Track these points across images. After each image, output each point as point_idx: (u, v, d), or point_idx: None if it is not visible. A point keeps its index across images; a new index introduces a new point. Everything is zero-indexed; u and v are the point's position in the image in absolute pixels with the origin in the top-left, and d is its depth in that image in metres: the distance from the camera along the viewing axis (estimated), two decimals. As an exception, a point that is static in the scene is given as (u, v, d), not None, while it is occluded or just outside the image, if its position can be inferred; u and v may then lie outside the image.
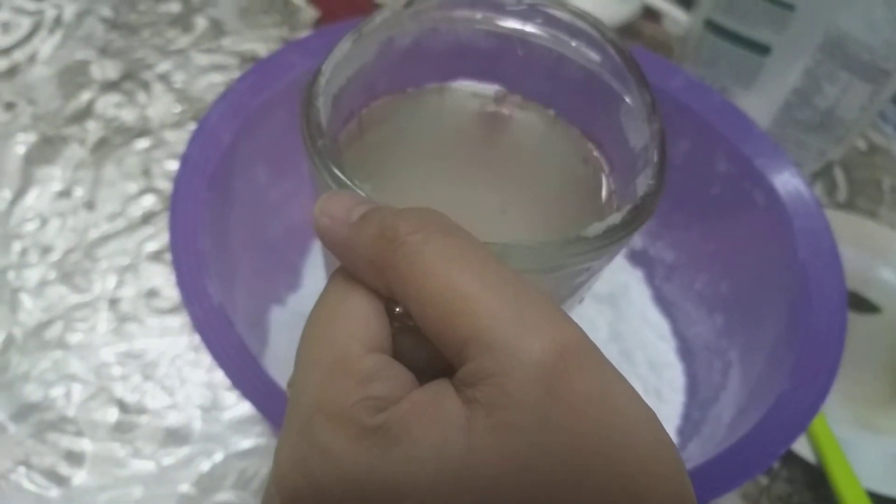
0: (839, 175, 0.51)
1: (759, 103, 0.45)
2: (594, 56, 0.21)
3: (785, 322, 0.31)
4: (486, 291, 0.15)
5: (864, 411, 0.40)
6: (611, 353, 0.38)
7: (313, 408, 0.15)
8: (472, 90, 0.23)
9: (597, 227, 0.17)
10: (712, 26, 0.44)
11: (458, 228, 0.16)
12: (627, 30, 0.54)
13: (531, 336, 0.14)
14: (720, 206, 0.36)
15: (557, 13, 0.22)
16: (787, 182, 0.33)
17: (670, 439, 0.15)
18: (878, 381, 0.42)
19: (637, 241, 0.41)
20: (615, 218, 0.17)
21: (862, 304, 0.44)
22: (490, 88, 0.23)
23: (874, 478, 0.37)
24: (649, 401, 0.36)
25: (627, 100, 0.21)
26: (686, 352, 0.38)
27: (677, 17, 0.51)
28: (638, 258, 0.41)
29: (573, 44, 0.22)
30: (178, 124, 0.47)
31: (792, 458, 0.38)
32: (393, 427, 0.15)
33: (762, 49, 0.44)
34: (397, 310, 0.16)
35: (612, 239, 0.17)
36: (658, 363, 0.38)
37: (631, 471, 0.14)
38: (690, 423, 0.35)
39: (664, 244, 0.40)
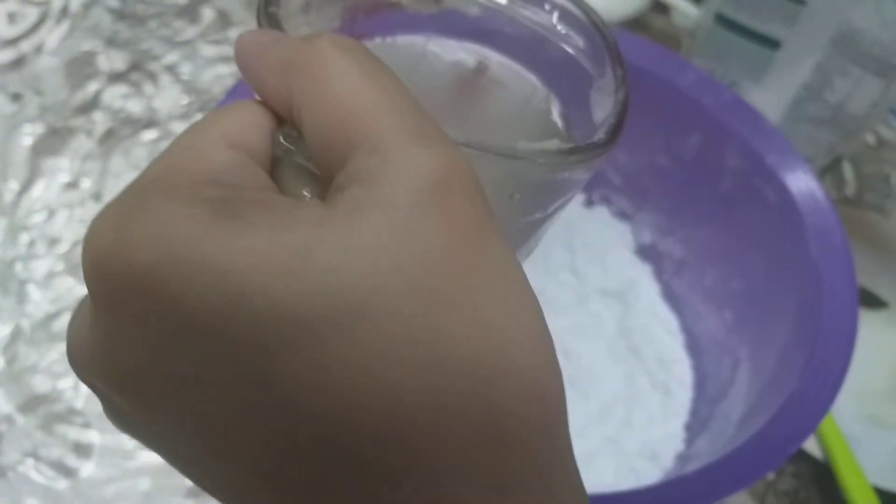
0: (848, 170, 0.51)
1: (769, 98, 0.45)
2: (578, 41, 0.21)
3: (795, 320, 0.31)
4: (393, 105, 0.14)
5: (870, 407, 0.40)
6: (619, 348, 0.38)
7: (149, 178, 0.14)
8: (452, 56, 0.22)
9: (554, 144, 0.17)
10: (722, 20, 0.44)
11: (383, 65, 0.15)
12: (636, 23, 0.54)
13: (426, 147, 0.14)
14: (730, 202, 0.36)
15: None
16: (798, 179, 0.33)
17: (545, 323, 0.14)
18: (885, 377, 0.42)
19: (646, 235, 0.41)
20: (569, 142, 0.17)
21: (869, 300, 0.44)
22: (470, 59, 0.22)
23: (881, 473, 0.37)
24: (657, 396, 0.37)
25: (600, 79, 0.20)
26: (695, 348, 0.38)
27: (686, 10, 0.50)
28: (647, 253, 0.41)
29: (560, 28, 0.21)
30: (185, 116, 0.47)
31: (798, 454, 0.38)
32: (235, 204, 0.13)
33: (772, 43, 0.43)
34: (282, 138, 0.15)
35: (567, 159, 0.17)
36: (666, 359, 0.38)
37: (489, 322, 0.13)
38: (699, 419, 0.35)
39: (673, 239, 0.40)
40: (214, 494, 0.16)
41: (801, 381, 0.28)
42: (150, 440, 0.16)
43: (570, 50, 0.21)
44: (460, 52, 0.22)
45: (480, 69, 0.22)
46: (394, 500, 0.13)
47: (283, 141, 0.15)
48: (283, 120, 0.16)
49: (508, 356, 0.13)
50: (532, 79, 0.22)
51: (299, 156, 0.15)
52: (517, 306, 0.14)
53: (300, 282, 0.13)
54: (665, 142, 0.37)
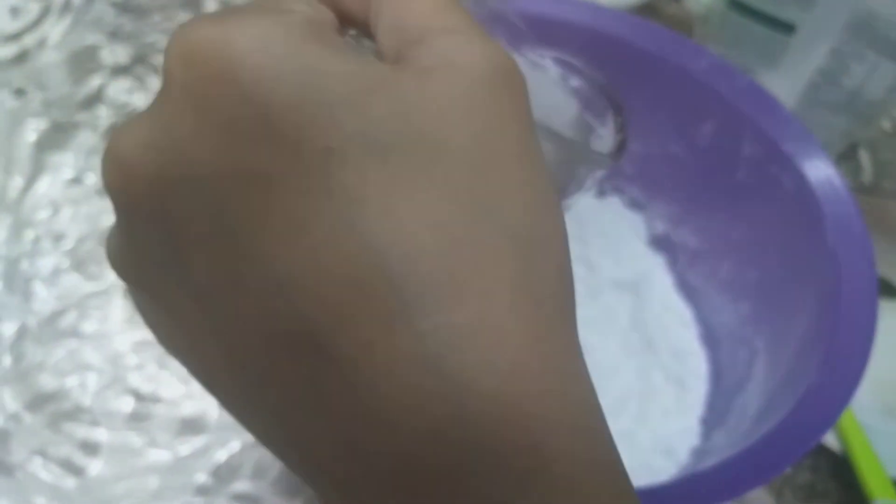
0: (864, 157, 0.50)
1: (784, 84, 0.44)
2: (581, 101, 0.23)
3: (813, 311, 0.30)
4: (463, 11, 0.15)
5: (889, 398, 0.40)
6: (632, 341, 0.37)
7: (248, 4, 0.15)
8: None
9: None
10: (735, 4, 0.43)
11: None
12: (647, 9, 0.53)
13: (496, 47, 0.15)
14: (746, 191, 0.35)
15: (567, 59, 0.23)
16: (815, 166, 0.32)
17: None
18: (903, 368, 0.41)
19: (659, 225, 0.40)
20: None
21: (887, 289, 0.43)
22: None
23: (901, 467, 0.36)
24: (672, 390, 0.36)
25: (600, 130, 0.23)
26: (710, 340, 0.38)
27: (698, -5, 0.49)
28: (660, 244, 0.40)
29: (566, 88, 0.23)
30: (190, 109, 0.47)
31: (815, 447, 0.38)
32: (325, 34, 0.14)
33: (787, 28, 0.43)
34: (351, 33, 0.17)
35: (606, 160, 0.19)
36: (681, 351, 0.37)
37: (528, 201, 0.14)
38: (715, 413, 0.35)
39: (687, 230, 0.39)
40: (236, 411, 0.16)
41: (820, 373, 0.27)
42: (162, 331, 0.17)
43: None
44: None
45: None
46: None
47: (352, 34, 0.17)
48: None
49: (542, 231, 0.14)
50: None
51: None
52: (551, 202, 0.15)
53: (378, 105, 0.13)
54: (678, 129, 0.36)
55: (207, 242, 0.14)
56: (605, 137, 0.22)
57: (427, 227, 0.13)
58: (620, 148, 0.22)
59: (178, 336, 0.16)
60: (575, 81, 0.23)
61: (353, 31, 0.17)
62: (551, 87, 0.23)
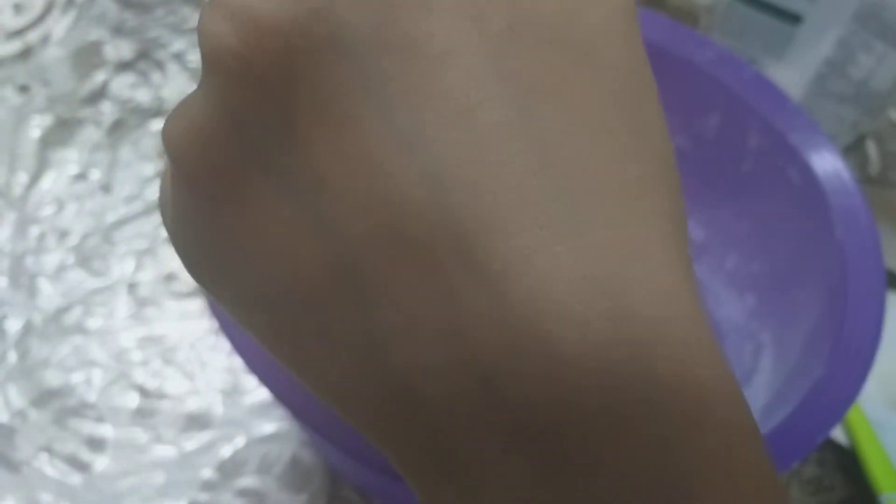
0: (871, 148, 0.50)
1: (790, 75, 0.44)
2: None
3: (821, 304, 0.30)
4: None
5: (897, 391, 0.40)
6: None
7: None
8: None
9: None
10: (741, -5, 0.43)
11: None
12: (652, 0, 0.53)
13: None
14: (752, 183, 0.35)
15: None
16: (822, 158, 0.32)
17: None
18: (911, 361, 0.41)
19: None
20: None
21: (894, 281, 0.43)
22: None
23: (909, 461, 0.36)
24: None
25: None
26: (716, 333, 0.37)
27: (704, -14, 0.49)
28: (665, 237, 0.40)
29: None
30: (193, 104, 0.47)
31: (822, 441, 0.37)
32: None
33: (793, 18, 0.42)
34: None
35: None
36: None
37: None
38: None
39: (693, 222, 0.39)
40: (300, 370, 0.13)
41: (828, 367, 0.27)
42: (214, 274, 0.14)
43: None
44: None
45: None
46: None
47: None
48: None
49: (674, 165, 0.13)
50: None
51: None
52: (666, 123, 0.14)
53: (544, 8, 0.12)
54: (684, 121, 0.36)
55: (347, 125, 0.12)
56: None
57: (598, 132, 0.12)
58: None
59: (249, 250, 0.13)
60: None
61: None
62: None
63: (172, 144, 0.13)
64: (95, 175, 0.43)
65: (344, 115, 0.12)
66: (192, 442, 0.36)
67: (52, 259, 0.41)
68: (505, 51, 0.12)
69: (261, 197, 0.12)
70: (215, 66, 0.12)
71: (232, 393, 0.37)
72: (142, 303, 0.39)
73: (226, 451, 0.36)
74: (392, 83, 0.11)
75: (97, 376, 0.37)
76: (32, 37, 0.49)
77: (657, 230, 0.12)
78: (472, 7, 0.12)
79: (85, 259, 0.41)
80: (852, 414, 0.37)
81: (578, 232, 0.11)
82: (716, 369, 0.12)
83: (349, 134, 0.12)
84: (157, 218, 0.42)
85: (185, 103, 0.13)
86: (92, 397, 0.37)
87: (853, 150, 0.49)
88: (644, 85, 0.13)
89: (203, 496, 0.35)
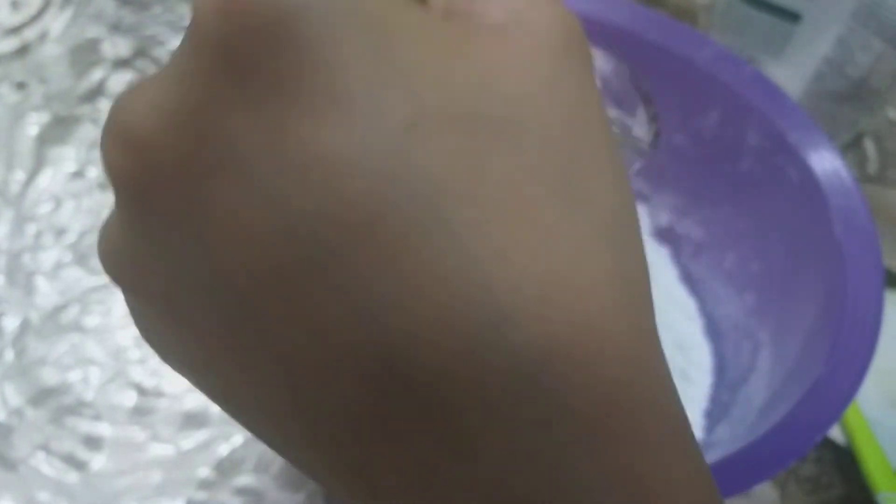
0: (869, 147, 0.50)
1: (789, 74, 0.44)
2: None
3: (819, 303, 0.30)
4: None
5: (894, 390, 0.40)
6: (636, 333, 0.37)
7: None
8: None
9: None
10: (740, -6, 0.43)
11: None
12: (650, -2, 0.53)
13: (563, 10, 0.13)
14: (751, 182, 0.35)
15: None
16: (821, 157, 0.32)
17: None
18: (909, 359, 0.41)
19: (663, 217, 0.40)
20: None
21: (892, 280, 0.43)
22: None
23: (907, 459, 0.36)
24: (676, 383, 0.36)
25: (628, 121, 0.22)
26: (714, 332, 0.37)
27: (702, -16, 0.49)
28: (664, 235, 0.40)
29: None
30: (191, 102, 0.47)
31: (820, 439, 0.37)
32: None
33: (792, 16, 0.42)
34: None
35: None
36: (685, 343, 0.37)
37: (613, 172, 0.13)
38: (719, 405, 0.35)
39: (692, 221, 0.39)
40: (260, 433, 0.14)
41: (826, 366, 0.27)
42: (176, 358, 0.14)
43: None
44: None
45: None
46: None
47: None
48: None
49: (628, 216, 0.13)
50: None
51: None
52: (627, 181, 0.13)
53: (459, 72, 0.12)
54: (683, 120, 0.36)
55: (257, 245, 0.11)
56: (635, 128, 0.21)
57: (520, 218, 0.11)
58: (655, 137, 0.21)
59: (190, 353, 0.13)
60: (598, 70, 0.22)
61: None
62: None
63: (100, 252, 0.14)
64: (93, 172, 0.43)
65: (253, 237, 0.11)
66: (190, 440, 0.36)
67: (49, 257, 0.41)
68: (408, 148, 0.11)
69: (187, 316, 0.13)
70: (115, 183, 0.12)
71: (229, 391, 0.37)
72: (139, 301, 0.39)
73: (223, 449, 0.36)
74: (292, 201, 0.11)
75: (94, 374, 0.37)
76: (30, 34, 0.48)
77: (599, 304, 0.12)
78: (367, 106, 0.11)
79: (82, 257, 0.41)
80: (850, 413, 0.37)
81: (507, 332, 0.11)
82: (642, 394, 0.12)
83: (261, 256, 0.11)
84: (154, 216, 0.42)
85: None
86: (89, 396, 0.37)
87: (852, 149, 0.49)
88: (582, 135, 0.12)
89: (200, 495, 0.35)
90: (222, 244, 0.11)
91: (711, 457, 0.29)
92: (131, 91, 0.12)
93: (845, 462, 0.37)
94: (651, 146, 0.21)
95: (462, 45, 0.12)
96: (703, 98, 0.35)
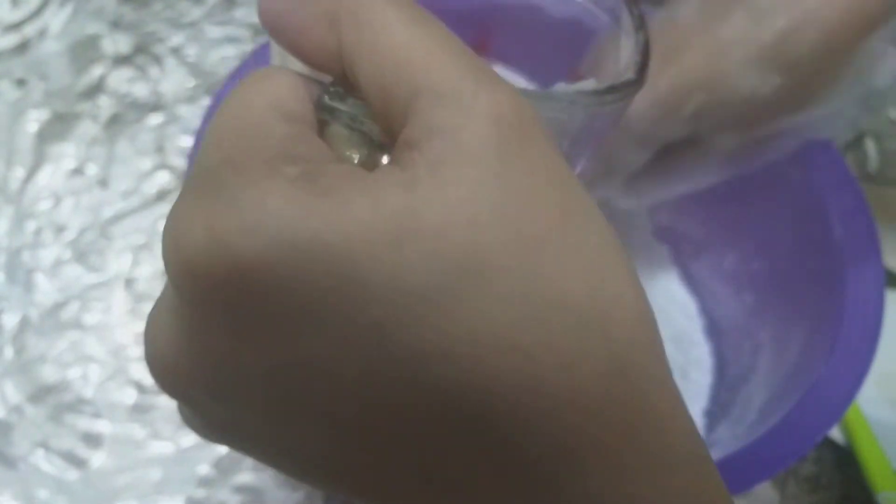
0: (870, 146, 0.50)
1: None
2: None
3: (819, 304, 0.30)
4: (447, 50, 0.14)
5: (894, 390, 0.39)
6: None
7: (219, 161, 0.13)
8: None
9: (590, 84, 0.18)
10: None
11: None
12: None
13: (490, 92, 0.13)
14: (751, 181, 0.34)
15: None
16: (822, 157, 0.32)
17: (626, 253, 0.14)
18: (909, 359, 0.41)
19: (664, 216, 0.40)
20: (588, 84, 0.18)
21: (893, 281, 0.43)
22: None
23: (906, 459, 0.36)
24: (676, 381, 0.36)
25: (614, 25, 0.20)
26: (714, 331, 0.37)
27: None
28: (665, 235, 0.40)
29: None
30: (191, 99, 0.46)
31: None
32: (318, 178, 0.13)
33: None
34: (327, 98, 0.15)
35: (605, 98, 0.17)
36: (685, 343, 0.37)
37: (591, 260, 0.13)
38: (718, 405, 0.35)
39: (692, 220, 0.39)
40: (336, 489, 0.15)
41: (827, 366, 0.27)
42: (252, 444, 0.16)
43: (573, 12, 0.21)
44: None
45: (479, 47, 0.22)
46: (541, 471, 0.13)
47: (328, 101, 0.15)
48: (318, 81, 0.15)
49: (615, 291, 0.13)
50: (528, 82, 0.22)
51: (346, 116, 0.15)
52: (607, 241, 0.14)
53: (408, 249, 0.12)
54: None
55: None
56: (622, 35, 0.20)
57: (510, 349, 0.12)
58: (643, 56, 0.18)
59: (262, 437, 0.15)
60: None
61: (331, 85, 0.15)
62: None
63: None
64: (92, 170, 0.43)
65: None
66: (190, 438, 0.36)
67: (48, 254, 0.40)
68: (385, 340, 0.13)
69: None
70: (182, 295, 0.14)
71: (229, 389, 0.37)
72: (139, 298, 0.39)
73: (222, 447, 0.36)
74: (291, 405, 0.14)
75: (94, 372, 0.37)
76: (30, 30, 0.48)
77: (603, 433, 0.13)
78: (335, 318, 0.12)
79: (82, 254, 0.41)
80: (850, 413, 0.37)
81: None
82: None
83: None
84: (153, 213, 0.42)
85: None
86: (89, 393, 0.37)
87: (852, 148, 0.49)
88: (541, 247, 0.13)
89: (200, 492, 0.35)
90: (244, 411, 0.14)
91: (712, 456, 0.29)
92: (155, 316, 0.15)
93: (845, 462, 0.37)
94: (637, 79, 0.18)
95: (408, 220, 0.12)
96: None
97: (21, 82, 0.46)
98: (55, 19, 0.49)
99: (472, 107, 0.13)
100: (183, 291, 0.13)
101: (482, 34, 0.22)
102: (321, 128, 0.15)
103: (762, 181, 0.34)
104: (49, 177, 0.43)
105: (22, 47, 0.48)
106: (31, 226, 0.41)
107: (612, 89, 0.17)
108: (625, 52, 0.19)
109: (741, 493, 0.24)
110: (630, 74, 0.18)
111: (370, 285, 0.12)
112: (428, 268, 0.12)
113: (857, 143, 0.49)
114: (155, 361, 0.15)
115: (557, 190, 0.13)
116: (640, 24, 0.19)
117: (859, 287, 0.28)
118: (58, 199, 0.42)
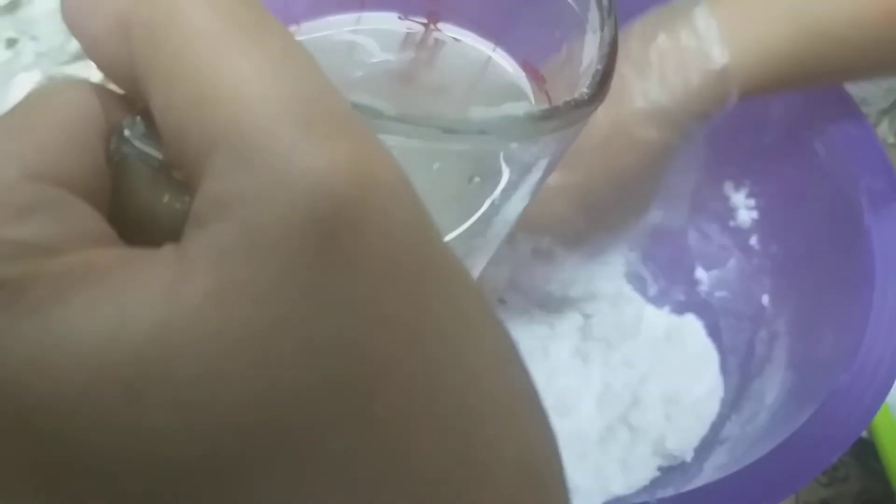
0: (907, 111, 0.47)
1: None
2: None
3: (843, 296, 0.28)
4: (277, 80, 0.09)
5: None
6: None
7: None
8: (391, 27, 0.18)
9: (522, 108, 0.14)
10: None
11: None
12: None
13: (323, 144, 0.09)
14: (773, 157, 0.32)
15: None
16: (851, 131, 0.29)
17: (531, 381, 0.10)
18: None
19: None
20: (537, 110, 0.14)
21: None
22: (414, 24, 0.18)
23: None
24: (680, 377, 0.34)
25: (579, 11, 0.16)
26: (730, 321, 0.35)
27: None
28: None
29: None
30: (185, 61, 0.45)
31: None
32: (35, 287, 0.09)
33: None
34: (126, 130, 0.11)
35: (538, 125, 0.13)
36: (685, 341, 0.35)
37: (458, 405, 0.09)
38: (728, 399, 0.33)
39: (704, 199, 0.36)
40: None
41: (851, 369, 0.25)
42: None
43: None
44: (398, 25, 0.18)
45: (422, 41, 0.18)
46: None
47: (126, 135, 0.11)
48: (131, 101, 0.11)
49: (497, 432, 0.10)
50: (486, 41, 0.18)
51: (154, 151, 0.11)
52: (494, 361, 0.10)
53: (182, 369, 0.09)
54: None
55: None
56: (589, 29, 0.15)
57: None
58: (606, 62, 0.14)
59: None
60: None
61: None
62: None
63: None
64: (82, 136, 0.42)
65: None
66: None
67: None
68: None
69: None
70: None
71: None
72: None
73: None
74: None
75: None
76: (19, -12, 0.47)
77: None
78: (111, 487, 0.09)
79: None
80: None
81: None
82: None
83: None
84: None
85: None
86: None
87: (889, 114, 0.46)
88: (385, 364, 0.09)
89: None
90: None
91: (720, 455, 0.28)
92: None
93: (863, 454, 0.35)
94: (591, 97, 0.14)
95: (162, 322, 0.09)
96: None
97: (11, 42, 0.45)
98: (46, -24, 0.47)
99: (286, 171, 0.09)
100: None
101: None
102: (120, 165, 0.11)
103: (785, 157, 0.32)
104: (38, 143, 0.42)
105: (12, 6, 0.46)
106: (18, 195, 0.40)
107: (550, 113, 0.13)
108: (588, 54, 0.15)
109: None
110: (582, 90, 0.13)
111: (132, 458, 0.09)
112: (203, 385, 0.09)
113: (893, 108, 0.46)
114: None
115: (407, 304, 0.09)
116: (608, 16, 0.15)
117: (888, 280, 0.26)
118: (46, 167, 0.41)
